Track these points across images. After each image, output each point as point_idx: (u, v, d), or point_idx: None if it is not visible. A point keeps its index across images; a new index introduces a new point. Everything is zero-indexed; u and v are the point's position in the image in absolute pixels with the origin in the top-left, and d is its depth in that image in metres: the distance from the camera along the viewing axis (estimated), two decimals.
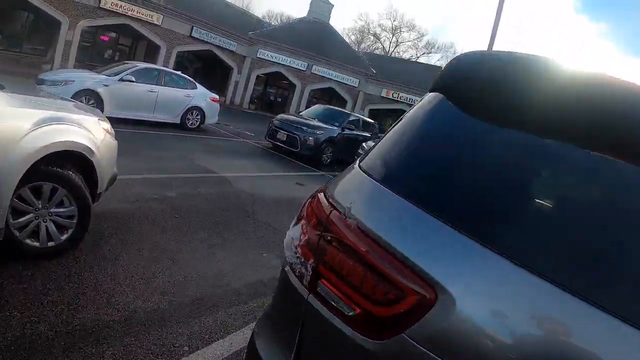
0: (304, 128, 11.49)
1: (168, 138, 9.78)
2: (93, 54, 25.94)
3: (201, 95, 11.96)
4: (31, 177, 2.85)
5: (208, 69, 31.57)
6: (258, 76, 31.79)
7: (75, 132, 3.14)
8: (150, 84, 10.50)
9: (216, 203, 5.59)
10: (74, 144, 3.11)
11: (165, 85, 10.87)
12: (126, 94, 9.85)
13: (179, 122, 11.38)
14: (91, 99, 9.08)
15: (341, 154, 12.39)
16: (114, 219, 4.18)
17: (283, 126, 11.80)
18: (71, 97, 8.54)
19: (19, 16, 23.53)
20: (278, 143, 11.81)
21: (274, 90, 35.21)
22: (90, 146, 3.23)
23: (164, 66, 25.93)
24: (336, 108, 15.84)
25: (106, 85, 9.40)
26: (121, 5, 23.43)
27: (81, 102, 8.79)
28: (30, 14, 23.68)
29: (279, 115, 12.70)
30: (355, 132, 12.96)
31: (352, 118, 13.27)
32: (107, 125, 3.65)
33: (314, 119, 12.64)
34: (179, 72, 12.04)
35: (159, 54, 26.10)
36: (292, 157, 11.53)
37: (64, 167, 3.13)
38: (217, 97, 12.77)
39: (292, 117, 12.65)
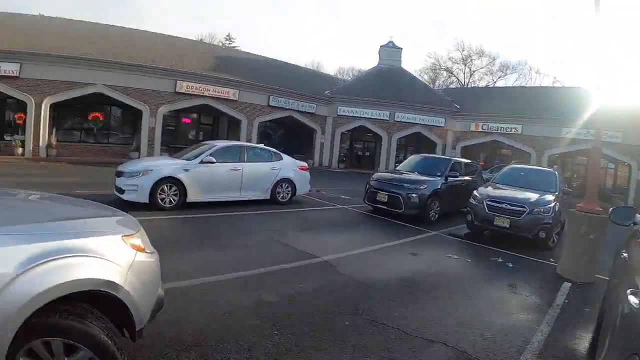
0: (405, 185, 10.80)
1: (259, 217, 9.51)
2: (178, 136, 28.25)
3: (289, 166, 11.84)
4: (35, 333, 2.27)
5: (291, 134, 32.78)
6: (342, 133, 32.57)
7: (88, 265, 2.51)
8: (233, 162, 10.56)
9: (323, 303, 4.78)
10: (88, 281, 2.48)
11: (249, 161, 10.88)
12: (209, 177, 9.92)
13: (269, 197, 11.28)
14: (173, 187, 9.24)
15: (448, 206, 11.69)
16: (194, 348, 3.52)
17: (382, 186, 11.20)
18: (151, 187, 8.80)
19: (106, 110, 26.65)
20: (379, 206, 11.18)
21: (360, 145, 35.76)
22: (113, 279, 2.58)
23: (247, 139, 27.65)
24: (434, 156, 15.38)
25: (186, 170, 9.52)
26: (196, 87, 25.74)
27: (163, 191, 9.05)
28: (116, 107, 26.76)
29: (376, 175, 12.20)
30: (459, 179, 12.01)
31: (453, 163, 12.30)
32: (137, 241, 3.00)
33: (413, 172, 11.98)
34: (261, 145, 12.13)
35: (240, 128, 27.76)
36: (396, 219, 10.77)
37: (82, 314, 2.47)
38: (305, 164, 12.63)
39: (390, 174, 12.10)
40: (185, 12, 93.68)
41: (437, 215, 11.12)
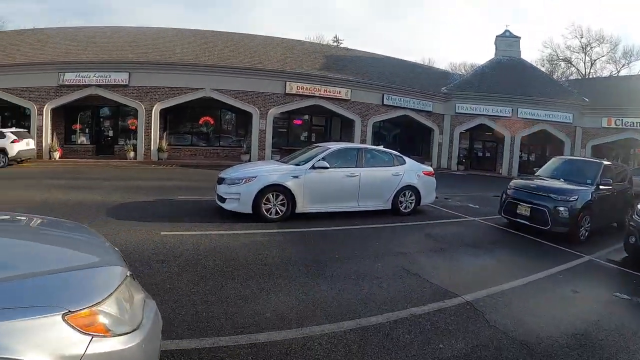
0: (552, 196, 9.20)
1: (379, 234, 8.64)
2: (289, 138, 29.02)
3: (412, 171, 10.93)
4: None
5: (407, 134, 32.17)
6: (460, 133, 31.42)
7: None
8: (349, 167, 9.89)
9: None
10: None
11: (367, 166, 10.15)
12: (321, 184, 9.37)
13: (390, 207, 10.45)
14: (280, 195, 8.79)
15: (600, 221, 10.04)
16: None
17: (522, 196, 9.71)
18: (255, 196, 8.47)
19: (216, 114, 28.39)
20: (519, 220, 9.71)
21: (479, 145, 34.29)
22: None
23: (361, 140, 27.23)
24: (581, 158, 13.51)
25: (296, 177, 9.02)
26: (306, 87, 26.23)
27: (268, 200, 8.66)
28: (226, 111, 28.38)
29: (514, 182, 10.63)
30: (612, 187, 10.08)
31: (604, 167, 10.26)
32: (99, 319, 2.05)
33: (557, 178, 10.30)
34: (380, 147, 11.38)
35: (354, 128, 27.71)
36: (538, 236, 9.30)
37: None
38: (431, 169, 11.67)
39: (530, 181, 10.42)
40: (292, 17, 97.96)
41: (587, 233, 9.49)
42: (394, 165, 10.72)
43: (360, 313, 4.66)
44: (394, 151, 11.36)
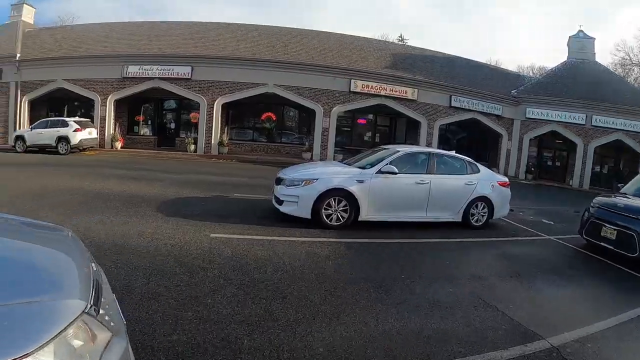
0: None
1: (448, 250, 7.76)
2: (353, 138, 28.51)
3: (486, 180, 9.94)
4: None
5: (473, 139, 30.76)
6: (530, 139, 29.75)
7: None
8: (419, 173, 9.09)
9: None
10: None
11: (438, 173, 9.28)
12: (388, 191, 8.62)
13: (460, 219, 9.56)
14: (342, 201, 8.13)
15: None
16: None
17: (607, 216, 8.40)
18: (315, 200, 7.89)
19: (279, 110, 28.27)
20: (602, 244, 8.41)
21: (549, 154, 32.37)
22: None
23: (426, 143, 26.37)
24: None
25: (361, 182, 8.30)
26: (372, 86, 25.55)
27: (329, 205, 8.13)
28: (289, 107, 28.21)
29: (598, 199, 9.20)
30: None
31: None
32: None
33: None
34: (452, 153, 10.46)
35: (419, 130, 26.77)
36: (623, 263, 8.01)
37: None
38: (506, 180, 10.64)
39: (617, 200, 8.99)
40: (355, 16, 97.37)
41: None
42: (466, 174, 9.79)
43: (430, 355, 3.87)
44: (468, 158, 10.39)
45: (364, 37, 32.58)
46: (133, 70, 25.07)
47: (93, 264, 2.46)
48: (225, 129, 25.95)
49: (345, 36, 30.85)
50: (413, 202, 9.00)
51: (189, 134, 26.72)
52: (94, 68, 25.49)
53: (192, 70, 24.85)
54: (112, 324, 2.01)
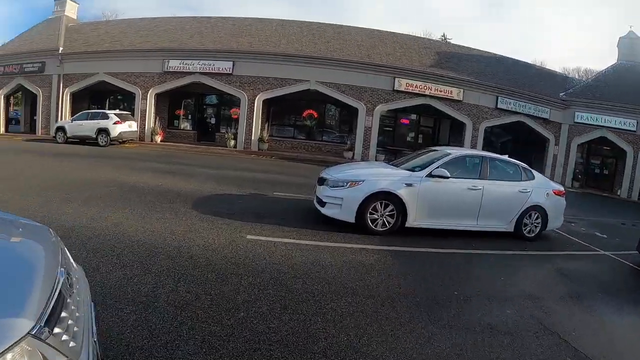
0: None
1: (500, 264, 7.07)
2: (395, 138, 27.80)
3: (541, 188, 9.14)
4: None
5: (518, 143, 29.57)
6: (578, 145, 28.15)
7: None
8: (471, 178, 8.44)
9: None
10: None
11: (491, 179, 8.60)
12: (438, 196, 8.03)
13: (512, 230, 8.85)
14: (389, 205, 7.58)
15: None
16: None
17: None
18: (361, 203, 7.38)
19: (321, 108, 27.87)
20: None
21: (597, 161, 30.56)
22: None
23: (471, 145, 25.53)
24: None
25: (409, 185, 7.72)
26: (416, 85, 24.74)
27: (375, 209, 7.58)
28: (330, 105, 27.75)
29: None
30: None
31: None
32: None
33: None
34: (505, 157, 9.79)
35: (464, 132, 25.86)
36: None
37: None
38: (562, 188, 9.83)
39: None
40: (396, 15, 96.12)
41: None
42: (521, 180, 9.04)
43: None
44: (522, 163, 9.63)
45: (408, 35, 31.73)
46: (174, 64, 25.18)
47: (62, 269, 2.01)
48: (266, 125, 25.67)
49: (388, 33, 30.06)
50: (464, 209, 8.36)
51: (229, 129, 26.65)
52: (136, 62, 25.86)
53: (233, 65, 24.72)
54: (71, 344, 1.64)
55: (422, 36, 46.74)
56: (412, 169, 8.33)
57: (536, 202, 8.95)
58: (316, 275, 5.28)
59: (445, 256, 7.00)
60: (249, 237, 6.54)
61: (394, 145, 26.81)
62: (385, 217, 7.65)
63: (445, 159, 8.39)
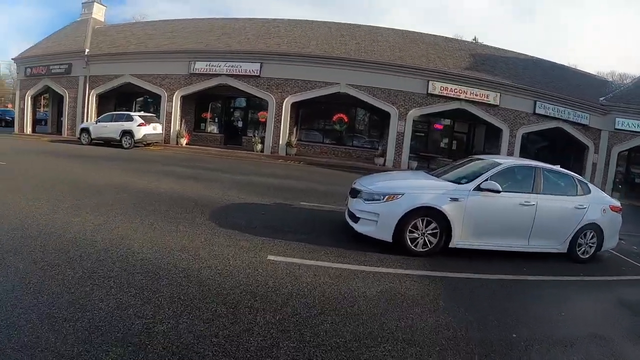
0: None
1: (556, 292, 6.11)
2: (428, 144, 26.67)
3: (597, 204, 8.02)
4: None
5: (554, 150, 28.04)
6: (619, 153, 26.48)
7: None
8: (523, 192, 7.41)
9: None
10: None
11: (545, 193, 7.55)
12: (488, 213, 7.05)
13: (565, 250, 7.76)
14: (431, 222, 6.63)
15: None
16: None
17: None
18: (400, 219, 6.46)
19: (351, 112, 26.99)
20: None
21: (638, 170, 28.85)
22: None
23: (508, 153, 24.13)
24: None
25: (455, 200, 6.77)
26: (451, 89, 23.63)
27: (415, 227, 6.63)
28: (361, 109, 26.85)
29: None
30: None
31: None
32: None
33: None
34: (558, 168, 8.67)
35: (501, 139, 24.62)
36: None
37: None
38: (619, 204, 8.68)
39: None
40: (424, 17, 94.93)
41: None
42: (576, 194, 7.94)
43: None
44: (577, 175, 8.54)
45: (442, 36, 30.45)
46: (200, 66, 24.74)
47: None
48: (294, 129, 24.95)
49: (421, 34, 28.98)
50: (514, 227, 7.32)
51: (256, 132, 25.99)
52: (161, 64, 25.60)
53: (260, 67, 24.11)
54: None
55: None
56: (457, 181, 7.36)
57: (592, 220, 7.85)
58: (348, 310, 4.40)
59: (495, 285, 6.01)
60: (270, 257, 5.72)
61: (427, 152, 25.75)
62: (427, 236, 6.72)
63: (495, 170, 7.39)
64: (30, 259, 4.98)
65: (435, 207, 6.65)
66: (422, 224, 6.67)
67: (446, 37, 30.71)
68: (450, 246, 6.84)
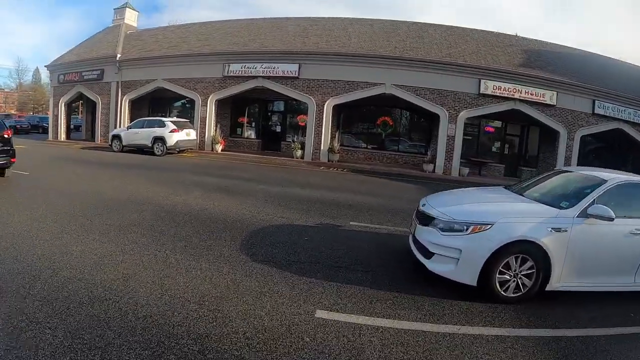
0: None
1: None
2: (478, 148, 24.87)
3: None
4: None
5: (609, 153, 25.59)
6: None
7: None
8: (635, 217, 5.63)
9: None
10: None
11: None
12: (594, 245, 5.35)
13: None
14: (527, 260, 5.05)
15: None
16: None
17: None
18: (489, 256, 4.93)
19: (396, 114, 25.40)
20: None
21: None
22: None
23: (565, 158, 22.04)
24: None
25: (557, 230, 5.12)
26: (504, 88, 21.68)
27: (507, 267, 4.93)
28: (406, 111, 25.27)
29: None
30: None
31: None
32: None
33: None
34: None
35: (558, 142, 22.61)
36: None
37: None
38: None
39: None
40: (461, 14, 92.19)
41: None
42: None
43: None
44: None
45: (491, 31, 28.32)
46: (235, 68, 23.69)
47: None
48: (336, 133, 23.45)
49: (469, 30, 27.00)
50: (622, 261, 5.55)
51: (296, 137, 24.71)
52: (195, 67, 24.75)
53: (299, 68, 22.81)
54: None
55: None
56: (553, 204, 5.72)
57: None
58: None
59: (616, 351, 4.34)
60: (319, 314, 4.24)
61: (477, 157, 23.84)
62: (520, 278, 5.13)
63: (602, 190, 5.59)
64: (3, 311, 3.80)
65: (533, 240, 5.03)
66: (516, 263, 5.07)
67: (496, 32, 28.60)
68: (547, 289, 5.22)
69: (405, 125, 26.36)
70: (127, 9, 31.48)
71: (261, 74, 23.20)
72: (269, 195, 10.99)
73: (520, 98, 21.94)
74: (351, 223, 8.47)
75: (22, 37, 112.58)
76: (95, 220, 7.18)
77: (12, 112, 66.37)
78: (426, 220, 5.62)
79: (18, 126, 37.61)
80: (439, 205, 5.83)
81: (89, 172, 13.48)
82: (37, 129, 39.85)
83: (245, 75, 23.56)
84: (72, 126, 32.57)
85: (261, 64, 23.20)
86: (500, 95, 21.90)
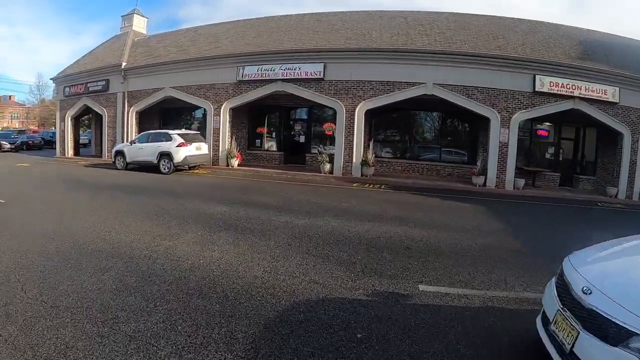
0: None
1: None
2: (530, 155, 21.71)
3: None
4: None
5: None
6: None
7: None
8: None
9: None
10: None
11: None
12: None
13: None
14: None
15: None
16: None
17: None
18: None
19: (440, 119, 22.92)
20: None
21: None
22: None
23: (631, 163, 19.41)
24: None
25: None
26: (563, 84, 18.52)
27: None
28: (451, 114, 22.58)
29: None
30: None
31: None
32: None
33: None
34: None
35: (622, 145, 19.49)
36: None
37: None
38: None
39: None
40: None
41: None
42: None
43: None
44: None
45: (545, 22, 25.04)
46: (250, 71, 21.12)
47: None
48: (370, 143, 20.47)
49: (517, 20, 23.91)
50: None
51: (323, 149, 21.74)
52: (205, 72, 22.43)
53: (324, 68, 20.02)
54: None
55: None
56: None
57: None
58: None
59: None
60: None
61: (531, 166, 20.79)
62: None
63: None
64: None
65: None
66: None
67: (547, 22, 25.27)
68: None
69: (445, 131, 23.39)
70: (135, 15, 29.83)
71: (280, 77, 20.58)
72: (293, 232, 8.15)
73: (581, 96, 18.82)
74: (420, 288, 5.46)
75: (46, 55, 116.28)
76: (28, 287, 4.54)
77: (32, 127, 65.99)
78: (605, 328, 2.69)
79: (30, 142, 37.56)
80: (627, 296, 2.79)
81: (75, 200, 11.26)
82: (51, 144, 38.70)
83: (262, 78, 21.03)
84: (80, 141, 30.73)
85: (280, 65, 20.60)
86: (558, 92, 18.80)
